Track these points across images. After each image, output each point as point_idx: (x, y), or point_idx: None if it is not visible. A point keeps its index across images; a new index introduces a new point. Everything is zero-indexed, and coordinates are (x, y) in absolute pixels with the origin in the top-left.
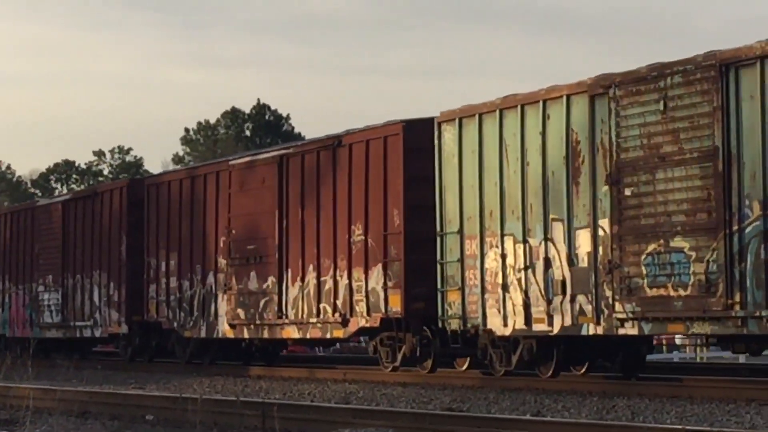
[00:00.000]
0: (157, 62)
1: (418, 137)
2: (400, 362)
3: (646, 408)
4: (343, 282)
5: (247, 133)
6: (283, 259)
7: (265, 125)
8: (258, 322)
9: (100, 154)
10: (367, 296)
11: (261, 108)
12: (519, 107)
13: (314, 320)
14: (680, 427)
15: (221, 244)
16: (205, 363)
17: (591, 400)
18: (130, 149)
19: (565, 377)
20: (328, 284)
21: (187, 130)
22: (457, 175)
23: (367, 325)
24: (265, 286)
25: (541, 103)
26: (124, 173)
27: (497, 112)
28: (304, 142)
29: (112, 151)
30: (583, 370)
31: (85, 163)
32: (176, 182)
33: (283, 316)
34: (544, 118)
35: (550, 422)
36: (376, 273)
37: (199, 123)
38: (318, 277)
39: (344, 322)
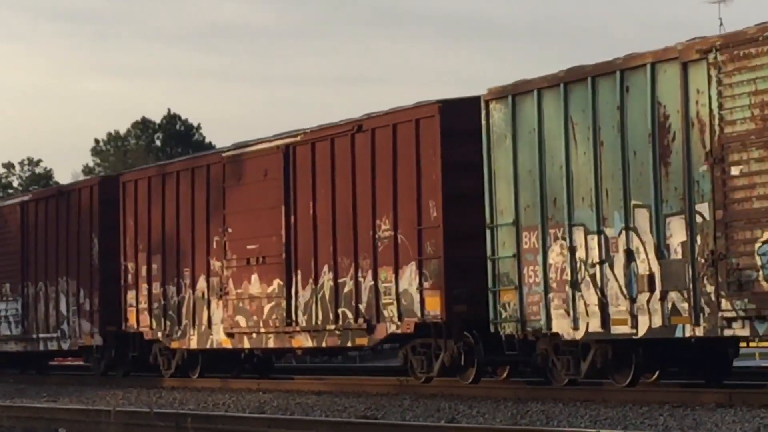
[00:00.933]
0: (66, 73)
1: (456, 119)
2: (437, 372)
3: (561, 412)
4: (366, 283)
5: (158, 143)
6: (291, 259)
7: (176, 135)
8: (262, 330)
9: (9, 166)
10: (398, 299)
11: (171, 118)
12: (589, 80)
13: (331, 327)
14: (594, 430)
15: (214, 245)
16: (193, 377)
17: (505, 405)
18: (39, 161)
19: (484, 382)
20: (348, 286)
21: (97, 141)
22: (510, 159)
23: (399, 331)
24: (270, 290)
25: (617, 73)
26: (34, 185)
27: (561, 86)
28: (313, 128)
29: (21, 163)
30: (654, 377)
31: None
32: (157, 178)
33: (293, 323)
34: (622, 90)
35: (465, 428)
36: (409, 272)
37: (109, 134)
38: (335, 279)
39: (370, 329)
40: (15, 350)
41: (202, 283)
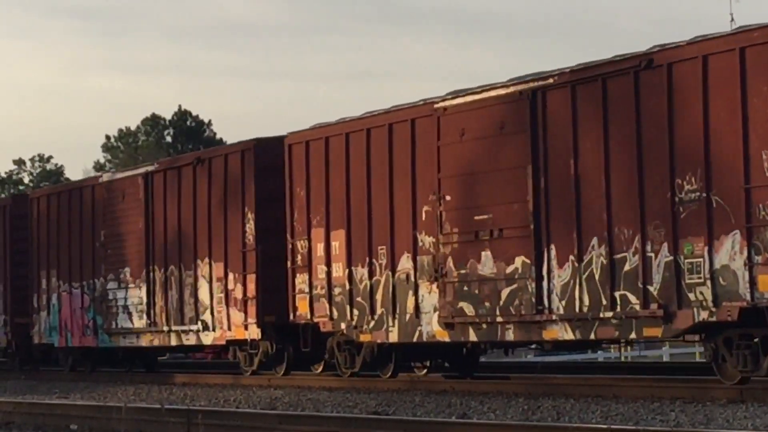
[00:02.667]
0: (77, 69)
1: None
2: None
3: (572, 408)
4: (660, 259)
5: (168, 139)
6: (542, 230)
7: (187, 131)
8: (499, 319)
9: (20, 162)
10: (712, 278)
11: (182, 114)
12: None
13: (606, 315)
14: (605, 426)
15: (422, 216)
16: (384, 376)
17: (516, 402)
18: (50, 157)
19: (491, 379)
20: (630, 263)
21: (107, 137)
22: None
23: (713, 319)
24: (509, 269)
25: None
26: (45, 182)
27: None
28: (574, 68)
29: (32, 160)
30: None
31: (5, 172)
32: (338, 138)
33: (545, 310)
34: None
35: (476, 424)
36: (729, 244)
37: (120, 130)
38: (610, 254)
39: (667, 317)
40: (136, 345)
41: (405, 263)
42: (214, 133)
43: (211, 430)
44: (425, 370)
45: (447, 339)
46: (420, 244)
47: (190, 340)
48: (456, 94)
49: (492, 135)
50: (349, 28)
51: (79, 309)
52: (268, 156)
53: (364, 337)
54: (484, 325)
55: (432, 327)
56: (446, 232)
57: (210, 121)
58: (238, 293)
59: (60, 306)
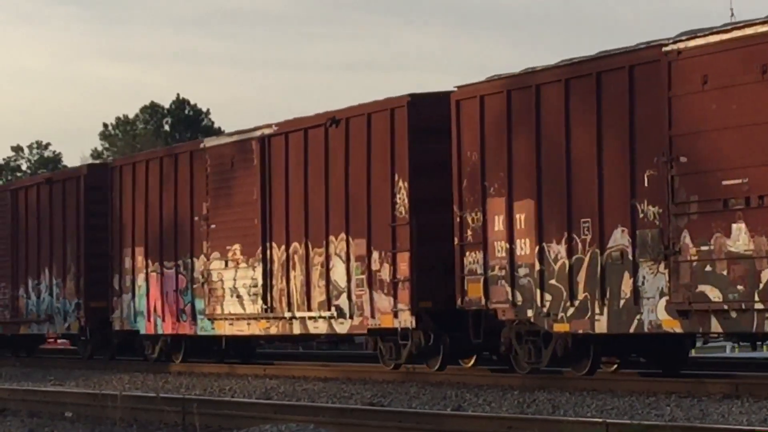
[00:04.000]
0: (76, 57)
1: None
2: None
3: (567, 401)
4: None
5: (167, 128)
6: None
7: (185, 120)
8: (759, 306)
9: (18, 149)
10: None
11: (180, 103)
12: None
13: None
14: (601, 420)
15: (645, 182)
16: (580, 372)
17: (512, 394)
18: (48, 144)
19: (485, 371)
20: None
21: (105, 125)
22: None
23: None
24: None
25: None
26: (43, 168)
27: None
28: None
29: (30, 147)
30: None
31: (3, 159)
32: (526, 91)
33: None
34: None
35: (471, 416)
36: None
37: (118, 118)
38: None
39: None
40: (246, 334)
41: (619, 239)
42: (213, 122)
43: (206, 419)
44: (615, 366)
45: (678, 329)
46: (640, 215)
47: (319, 328)
48: (691, 35)
49: (749, 81)
50: (349, 18)
51: (172, 292)
52: (424, 114)
53: (560, 327)
54: (734, 314)
55: (657, 315)
56: (680, 200)
57: (208, 110)
58: (385, 274)
59: (148, 288)
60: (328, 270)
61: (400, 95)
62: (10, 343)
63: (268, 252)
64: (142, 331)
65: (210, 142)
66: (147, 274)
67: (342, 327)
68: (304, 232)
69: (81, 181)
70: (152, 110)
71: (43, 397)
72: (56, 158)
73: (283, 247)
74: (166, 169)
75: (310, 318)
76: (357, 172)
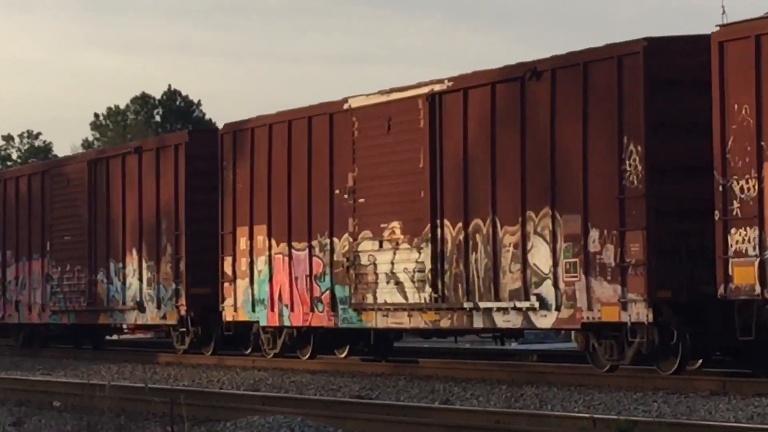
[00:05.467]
0: (67, 46)
1: None
2: None
3: (554, 396)
4: None
5: (158, 118)
6: None
7: (176, 111)
8: None
9: (8, 138)
10: None
11: (171, 94)
12: None
13: None
14: (588, 415)
15: None
16: None
17: (500, 389)
18: (39, 134)
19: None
20: None
21: (96, 115)
22: None
23: None
24: None
25: None
26: (33, 158)
27: None
28: None
29: (21, 136)
30: None
31: None
32: None
33: None
34: None
35: (458, 410)
36: None
37: (109, 108)
38: None
39: None
40: (407, 327)
41: None
42: (204, 114)
43: (194, 411)
44: None
45: None
46: None
47: (512, 321)
48: None
49: None
50: (342, 10)
51: (305, 277)
52: (664, 62)
53: None
54: None
55: None
56: None
57: (200, 101)
58: (609, 258)
59: (271, 273)
60: (524, 252)
61: (633, 39)
62: (77, 335)
63: (439, 231)
64: (263, 323)
65: (358, 101)
66: (270, 256)
67: (544, 320)
68: (491, 206)
69: (181, 150)
70: (143, 101)
71: (31, 387)
72: (47, 148)
73: (459, 224)
74: (297, 133)
75: (498, 309)
76: (567, 134)
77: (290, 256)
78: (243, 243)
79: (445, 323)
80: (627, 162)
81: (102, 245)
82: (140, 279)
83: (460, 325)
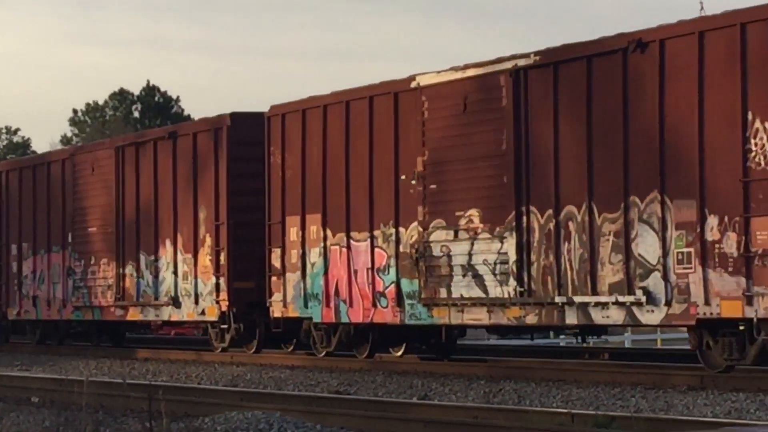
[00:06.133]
0: (46, 42)
1: None
2: None
3: (533, 392)
4: None
5: (136, 114)
6: None
7: (155, 107)
8: None
9: None
10: None
11: (150, 89)
12: None
13: None
14: (566, 410)
15: None
16: None
17: (478, 384)
18: (17, 130)
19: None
20: None
21: (75, 111)
22: None
23: None
24: None
25: None
26: (11, 154)
27: None
28: None
29: None
30: None
31: None
32: None
33: None
34: None
35: (437, 406)
36: None
37: (88, 104)
38: None
39: None
40: (486, 323)
41: None
42: (182, 109)
43: (172, 406)
44: None
45: None
46: None
47: (612, 317)
48: None
49: None
50: (321, 6)
51: (366, 270)
52: None
53: None
54: None
55: None
56: None
57: (178, 97)
58: (731, 247)
59: (326, 266)
60: (627, 241)
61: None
62: (99, 332)
63: (525, 219)
64: (317, 319)
65: (427, 79)
66: (325, 247)
67: (651, 316)
68: (587, 191)
69: (222, 134)
70: (122, 96)
71: (9, 382)
72: (25, 143)
73: (549, 211)
74: (355, 115)
75: (596, 304)
76: (678, 110)
77: (349, 247)
78: (293, 234)
79: (531, 319)
80: (752, 141)
81: (131, 237)
82: (175, 272)
83: (549, 321)
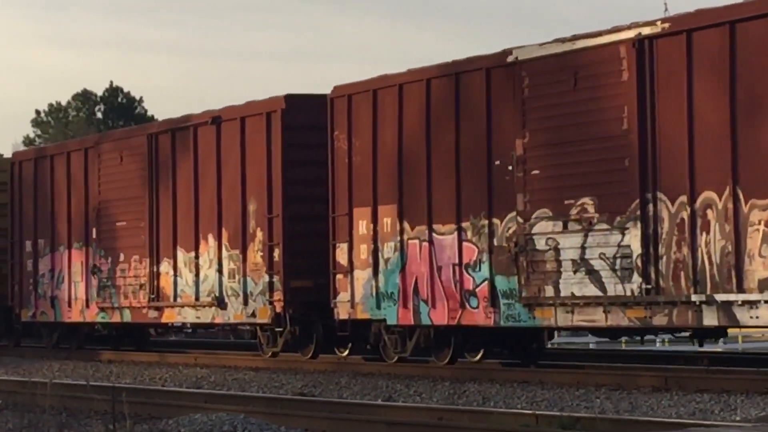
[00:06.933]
0: (8, 42)
1: None
2: None
3: (497, 393)
4: None
5: (99, 115)
6: None
7: (118, 108)
8: None
9: None
10: None
11: (113, 90)
12: None
13: None
14: (530, 412)
15: None
16: None
17: (442, 385)
18: None
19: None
20: None
21: (37, 112)
22: None
23: None
24: None
25: None
26: None
27: None
28: None
29: None
30: None
31: None
32: None
33: None
34: None
35: (401, 407)
36: None
37: (50, 105)
38: None
39: None
40: (601, 325)
41: None
42: (146, 110)
43: (136, 408)
44: None
45: None
46: None
47: (763, 317)
48: None
49: None
50: (285, 7)
51: (451, 266)
52: None
53: None
54: None
55: None
56: None
57: (141, 97)
58: None
59: (403, 262)
60: None
61: None
62: (123, 335)
63: (651, 207)
64: (392, 321)
65: (528, 52)
66: (402, 241)
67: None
68: (731, 174)
69: (275, 118)
70: (84, 97)
71: None
72: None
73: (681, 198)
74: (438, 94)
75: (743, 303)
76: None
77: (431, 241)
78: (363, 227)
79: (659, 320)
80: None
81: (167, 232)
82: (219, 270)
83: (682, 322)
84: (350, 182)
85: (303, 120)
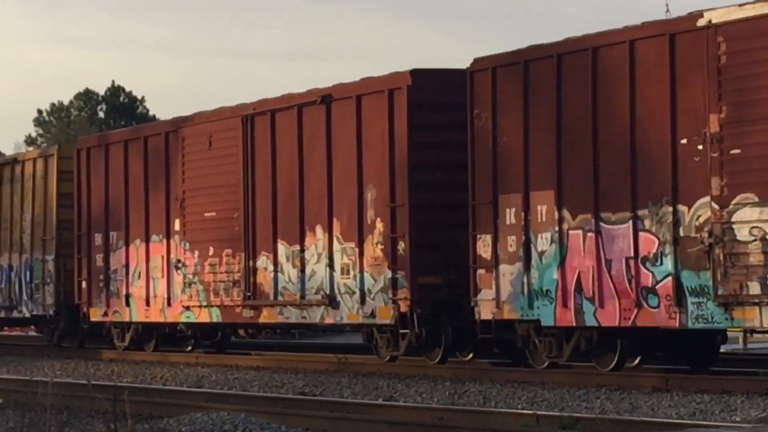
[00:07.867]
0: (10, 41)
1: None
2: None
3: (498, 393)
4: None
5: (101, 115)
6: None
7: (120, 107)
8: None
9: None
10: None
11: (115, 90)
12: None
13: None
14: (531, 412)
15: None
16: None
17: (443, 385)
18: None
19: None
20: None
21: (40, 111)
22: None
23: None
24: None
25: None
26: None
27: None
28: None
29: None
30: None
31: None
32: None
33: None
34: None
35: (402, 407)
36: None
37: (53, 104)
38: None
39: None
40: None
41: None
42: (147, 110)
43: (137, 407)
44: None
45: None
46: None
47: None
48: None
49: None
50: (287, 6)
51: (624, 260)
52: None
53: None
54: None
55: None
56: None
57: (143, 97)
58: None
59: (563, 255)
60: None
61: None
62: (208, 335)
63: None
64: (547, 322)
65: (724, 14)
66: (560, 232)
67: None
68: None
69: (399, 96)
70: (86, 97)
71: None
72: None
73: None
74: (607, 64)
75: None
76: None
77: (598, 231)
78: (511, 216)
79: None
80: None
81: (265, 223)
82: (330, 265)
83: None
84: (495, 166)
85: (431, 97)
